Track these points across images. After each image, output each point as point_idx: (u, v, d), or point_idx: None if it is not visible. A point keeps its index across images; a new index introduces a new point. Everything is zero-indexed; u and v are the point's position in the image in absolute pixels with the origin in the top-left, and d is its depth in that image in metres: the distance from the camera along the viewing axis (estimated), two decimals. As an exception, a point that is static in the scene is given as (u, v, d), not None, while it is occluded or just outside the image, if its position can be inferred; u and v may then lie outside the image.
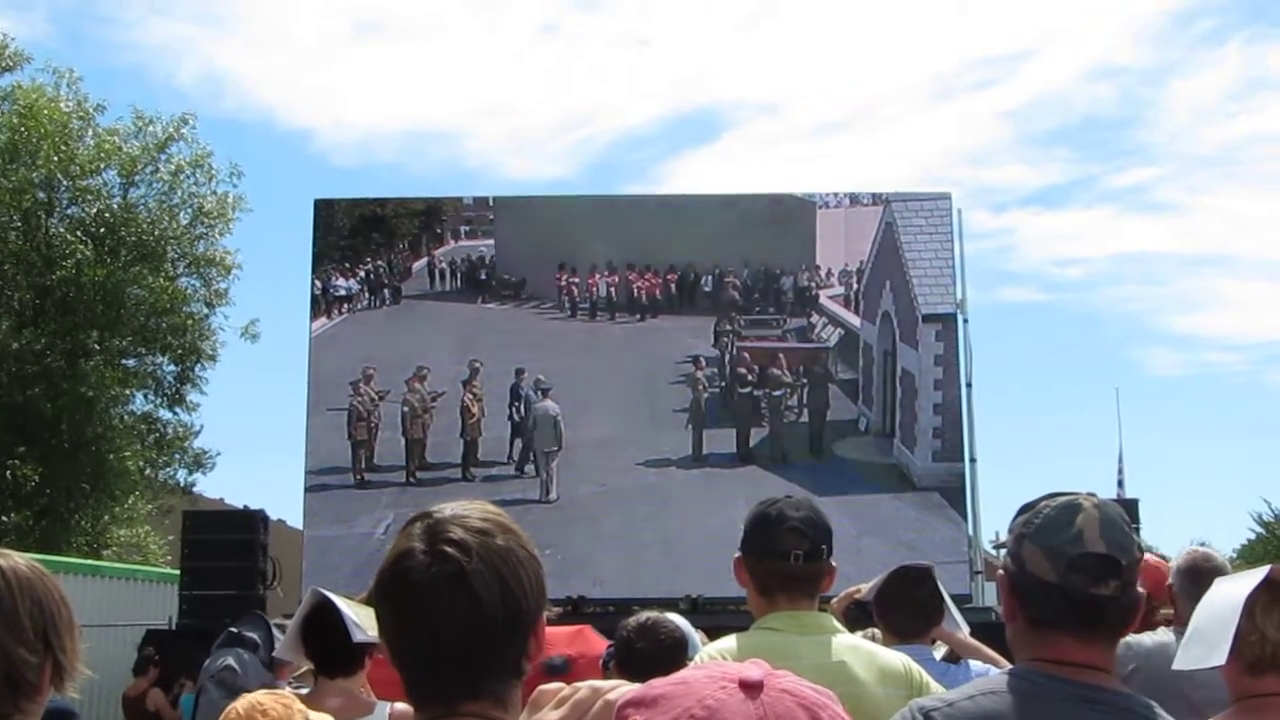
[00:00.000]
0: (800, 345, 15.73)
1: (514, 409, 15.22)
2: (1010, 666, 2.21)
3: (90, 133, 23.40)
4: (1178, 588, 4.39)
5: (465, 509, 1.74)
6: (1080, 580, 2.12)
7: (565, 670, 6.22)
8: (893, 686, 3.07)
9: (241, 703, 3.69)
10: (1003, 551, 2.29)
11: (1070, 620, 2.14)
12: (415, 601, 1.67)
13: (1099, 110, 63.84)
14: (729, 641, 3.19)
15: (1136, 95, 62.41)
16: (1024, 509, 2.25)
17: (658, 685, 1.10)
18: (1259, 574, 2.91)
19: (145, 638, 12.36)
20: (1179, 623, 4.29)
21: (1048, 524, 2.17)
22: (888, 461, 15.19)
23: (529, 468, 15.04)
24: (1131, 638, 4.68)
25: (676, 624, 4.36)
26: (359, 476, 14.97)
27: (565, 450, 14.91)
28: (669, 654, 4.06)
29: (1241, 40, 62.76)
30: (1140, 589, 2.18)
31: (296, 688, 5.35)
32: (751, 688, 1.07)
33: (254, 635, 7.67)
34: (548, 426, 14.94)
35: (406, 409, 15.05)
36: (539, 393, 15.09)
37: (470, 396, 15.12)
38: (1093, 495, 2.21)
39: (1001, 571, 2.25)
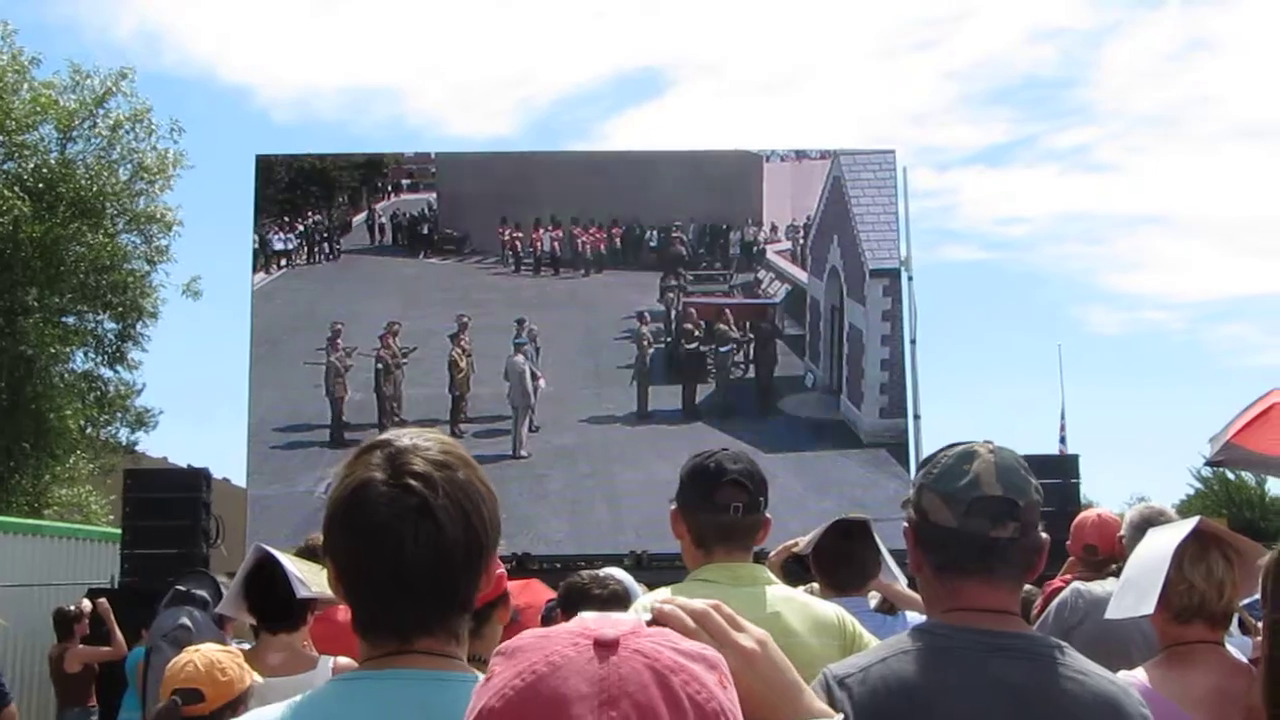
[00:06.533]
0: (747, 301, 15.74)
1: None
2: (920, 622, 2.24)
3: (26, 86, 22.84)
4: (1128, 541, 4.47)
5: (423, 439, 1.71)
6: (978, 524, 2.15)
7: (517, 621, 6.30)
8: (827, 637, 3.10)
9: (199, 657, 3.66)
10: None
11: (974, 564, 2.17)
12: (378, 534, 1.64)
13: (1040, 70, 64.24)
14: (662, 594, 3.17)
15: (1077, 56, 62.85)
16: (924, 462, 2.31)
17: (525, 636, 1.09)
18: (1188, 525, 2.97)
19: (87, 597, 12.23)
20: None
21: (945, 472, 2.21)
22: (834, 418, 15.23)
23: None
24: (1082, 585, 4.81)
25: (620, 579, 4.42)
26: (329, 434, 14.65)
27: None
28: (610, 605, 4.10)
29: (1180, 1, 63.16)
30: (1042, 532, 2.21)
31: (239, 643, 5.33)
32: (605, 646, 1.04)
33: (202, 593, 7.62)
34: (517, 380, 14.74)
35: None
36: (530, 340, 14.87)
37: (459, 350, 14.81)
38: (989, 442, 2.25)
39: (906, 524, 2.28)
